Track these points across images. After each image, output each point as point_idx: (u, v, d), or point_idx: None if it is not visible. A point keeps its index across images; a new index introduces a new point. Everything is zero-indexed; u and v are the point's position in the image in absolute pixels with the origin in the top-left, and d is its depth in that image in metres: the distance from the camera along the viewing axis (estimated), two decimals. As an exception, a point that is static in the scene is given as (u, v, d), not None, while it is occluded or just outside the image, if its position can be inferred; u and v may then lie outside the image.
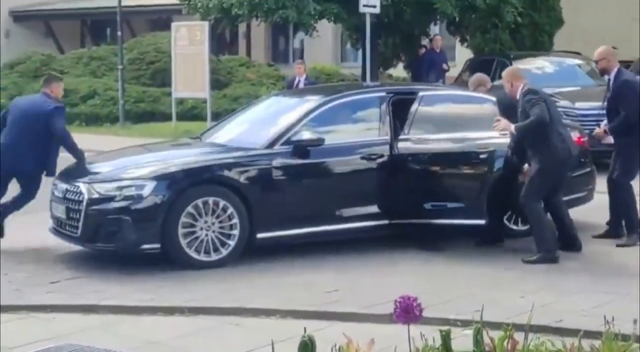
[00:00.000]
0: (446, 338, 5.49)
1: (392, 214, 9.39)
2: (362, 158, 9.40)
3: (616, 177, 9.75)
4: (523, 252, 9.13)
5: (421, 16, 21.43)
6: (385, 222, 9.39)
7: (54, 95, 10.15)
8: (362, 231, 9.37)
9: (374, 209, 9.33)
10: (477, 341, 5.34)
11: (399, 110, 9.81)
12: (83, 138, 20.52)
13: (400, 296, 4.17)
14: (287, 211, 9.01)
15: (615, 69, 9.76)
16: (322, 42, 29.73)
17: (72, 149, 9.88)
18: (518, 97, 9.10)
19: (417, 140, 9.60)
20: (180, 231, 8.60)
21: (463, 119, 10.01)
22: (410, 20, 21.63)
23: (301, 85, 16.94)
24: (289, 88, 17.21)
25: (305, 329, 5.32)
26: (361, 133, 9.72)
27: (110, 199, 8.67)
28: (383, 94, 9.96)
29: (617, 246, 9.53)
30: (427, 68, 20.66)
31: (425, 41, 23.78)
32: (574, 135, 10.25)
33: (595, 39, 22.01)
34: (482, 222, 9.41)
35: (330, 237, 9.26)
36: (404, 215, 9.41)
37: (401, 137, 9.55)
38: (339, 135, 9.64)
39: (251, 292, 7.80)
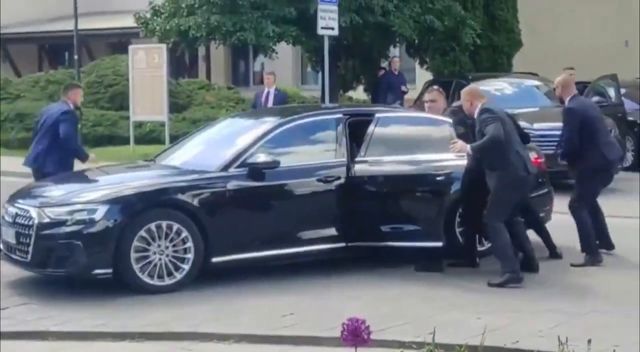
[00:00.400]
0: (400, 361, 5.41)
1: (349, 236, 9.30)
2: (319, 180, 9.31)
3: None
4: (481, 273, 9.07)
5: (380, 39, 21.47)
6: (342, 244, 9.30)
7: (72, 101, 11.27)
8: (319, 253, 9.27)
9: (330, 231, 9.23)
10: (431, 364, 5.26)
11: (356, 132, 9.75)
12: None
13: (348, 319, 4.07)
14: (242, 234, 8.88)
15: (570, 96, 9.83)
16: (283, 65, 29.68)
17: (76, 152, 11.08)
18: (476, 116, 9.07)
19: (373, 162, 9.53)
20: (133, 255, 8.44)
21: (419, 141, 9.95)
22: (369, 42, 21.65)
23: (271, 96, 16.71)
24: (258, 100, 16.99)
25: (256, 355, 5.24)
26: (318, 155, 9.62)
27: (62, 223, 8.49)
28: (339, 115, 9.88)
29: (572, 265, 9.52)
30: (386, 90, 20.66)
31: (384, 63, 23.81)
32: (532, 155, 10.23)
33: (553, 61, 22.26)
34: (439, 244, 9.35)
35: (286, 260, 9.15)
36: (361, 237, 9.34)
37: (358, 159, 9.48)
38: (295, 157, 9.54)
39: (205, 317, 7.66)
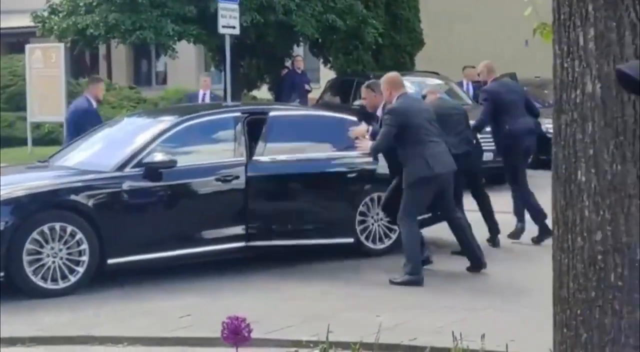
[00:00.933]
0: (294, 361, 5.34)
1: (249, 235, 9.21)
2: (217, 180, 9.20)
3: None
4: (383, 270, 9.06)
5: (283, 38, 21.38)
6: (242, 244, 9.20)
7: (93, 95, 11.88)
8: (217, 253, 9.16)
9: (229, 231, 9.12)
10: (326, 363, 5.20)
11: (255, 131, 9.66)
12: None
13: (228, 317, 3.97)
14: (138, 235, 8.71)
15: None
16: (185, 65, 29.45)
17: None
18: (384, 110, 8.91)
19: (272, 160, 9.46)
20: (26, 258, 8.20)
21: (319, 138, 9.94)
22: (272, 42, 21.54)
23: (207, 99, 16.48)
24: (191, 102, 16.67)
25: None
26: (216, 154, 9.51)
27: (-50, 225, 8.21)
28: (238, 114, 9.78)
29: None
30: (289, 89, 20.57)
31: (288, 62, 23.73)
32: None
33: (455, 60, 22.49)
34: (350, 240, 9.39)
35: (185, 261, 9.01)
36: (261, 236, 9.26)
37: (256, 158, 9.39)
38: (193, 156, 9.41)
39: (100, 320, 7.48)
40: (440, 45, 26.06)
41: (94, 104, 12.18)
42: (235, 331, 3.85)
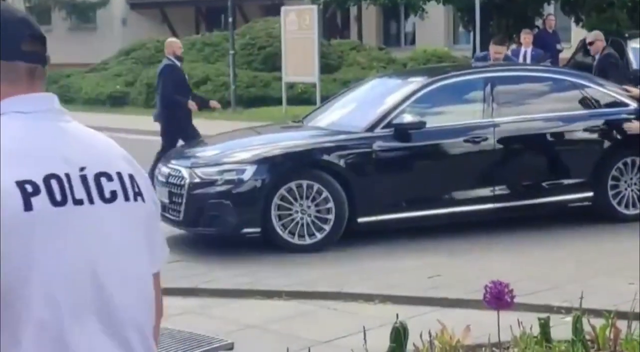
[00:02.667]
0: (545, 326, 5.31)
1: (496, 197, 9.16)
2: (466, 141, 9.19)
3: None
4: (630, 236, 8.79)
5: (534, -4, 20.96)
6: (491, 205, 9.17)
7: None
8: (466, 215, 9.18)
9: (478, 192, 9.11)
10: (577, 329, 5.14)
11: (504, 92, 9.57)
12: (196, 123, 20.87)
13: (491, 282, 4.00)
14: (388, 195, 8.88)
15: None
16: (434, 25, 29.44)
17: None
18: None
19: (521, 120, 9.35)
20: (275, 213, 8.55)
21: (565, 98, 9.72)
22: (523, 0, 21.17)
23: (528, 56, 16.31)
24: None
25: (397, 315, 5.22)
26: (464, 115, 9.50)
27: (212, 183, 8.69)
28: (488, 75, 9.71)
29: None
30: (541, 49, 20.12)
31: (538, 22, 23.22)
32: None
33: None
34: (589, 194, 9.28)
35: (432, 221, 9.09)
36: (512, 197, 9.18)
37: (506, 119, 9.30)
38: (441, 117, 9.45)
39: (350, 277, 7.70)
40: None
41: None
42: (499, 295, 3.88)
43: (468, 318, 5.80)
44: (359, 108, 9.81)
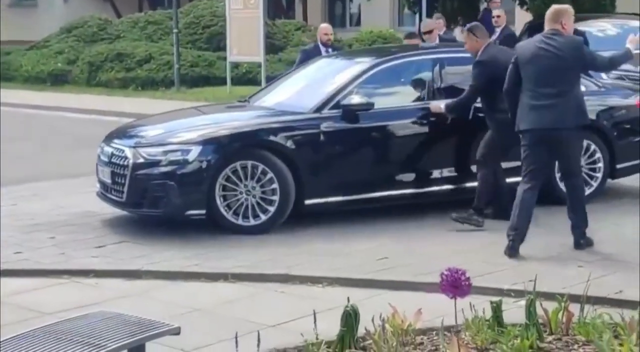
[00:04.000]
0: (497, 310, 5.25)
1: (448, 178, 9.12)
2: (414, 123, 9.10)
3: None
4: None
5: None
6: (440, 187, 9.11)
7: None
8: (415, 196, 9.10)
9: (427, 174, 9.03)
10: (530, 313, 5.09)
11: (452, 73, 9.49)
12: (139, 102, 20.71)
13: (447, 269, 3.91)
14: (336, 176, 8.77)
15: None
16: (380, 6, 29.36)
17: None
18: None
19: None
20: (219, 193, 8.40)
21: None
22: (469, -18, 21.16)
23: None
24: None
25: (348, 298, 5.12)
26: (413, 97, 9.41)
27: (156, 163, 8.50)
28: (436, 56, 9.62)
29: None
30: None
31: (483, 4, 23.25)
32: (636, 98, 9.96)
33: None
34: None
35: (381, 203, 9.01)
36: (461, 179, 9.12)
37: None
38: (390, 99, 9.35)
39: (296, 259, 7.59)
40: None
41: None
42: (455, 283, 3.78)
43: (418, 301, 5.73)
44: (306, 88, 9.67)
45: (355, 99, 8.87)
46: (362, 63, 9.58)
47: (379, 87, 9.28)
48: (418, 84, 9.49)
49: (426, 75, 9.43)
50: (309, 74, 10.15)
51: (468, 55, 9.27)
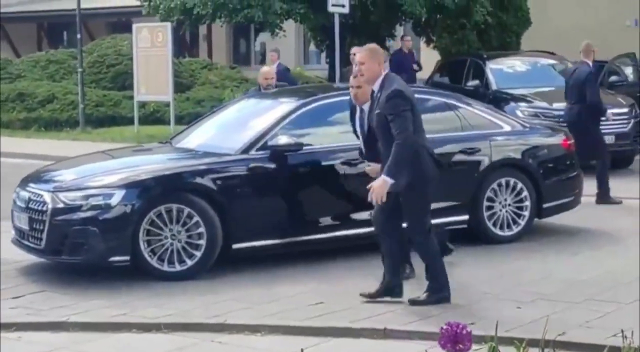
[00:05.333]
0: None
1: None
2: (343, 163, 8.94)
3: None
4: (510, 259, 8.75)
5: (388, 17, 21.10)
6: (370, 229, 8.92)
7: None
8: (345, 239, 8.91)
9: (357, 216, 8.82)
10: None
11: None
12: (43, 144, 20.14)
13: (447, 323, 3.69)
14: (264, 219, 8.53)
15: None
16: (285, 45, 29.29)
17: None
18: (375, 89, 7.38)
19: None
20: (143, 238, 8.10)
21: (439, 119, 9.60)
22: (377, 21, 21.29)
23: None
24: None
25: (302, 350, 4.91)
26: (340, 137, 9.24)
27: (77, 208, 8.15)
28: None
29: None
30: (396, 70, 20.23)
31: (390, 43, 23.46)
32: (560, 138, 10.01)
33: (562, 40, 21.85)
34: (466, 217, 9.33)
35: (311, 246, 8.80)
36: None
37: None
38: (317, 139, 9.16)
39: (228, 306, 7.31)
40: (548, 24, 25.40)
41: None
42: (455, 339, 3.58)
43: (361, 348, 5.54)
44: (231, 129, 9.46)
45: (283, 139, 8.68)
46: (288, 103, 9.40)
47: (307, 127, 9.10)
48: (346, 123, 9.33)
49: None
50: (232, 115, 9.93)
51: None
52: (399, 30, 24.87)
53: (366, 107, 7.91)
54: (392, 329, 6.50)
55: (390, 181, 7.02)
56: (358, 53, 8.10)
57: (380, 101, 7.24)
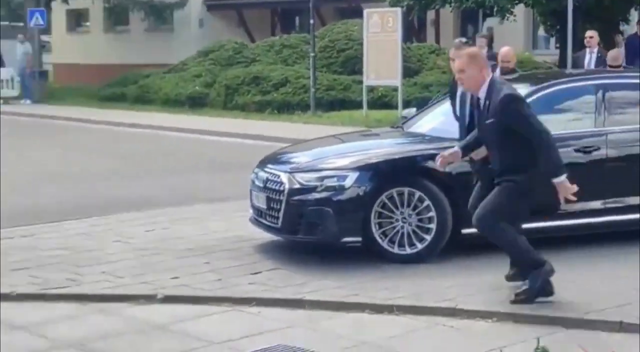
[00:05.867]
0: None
1: (609, 210, 8.73)
2: (576, 151, 8.76)
3: None
4: None
5: (622, 1, 20.42)
6: (596, 220, 8.74)
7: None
8: (582, 227, 8.72)
9: (591, 205, 8.65)
10: None
11: (614, 99, 9.13)
12: (276, 126, 20.78)
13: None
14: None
15: None
16: (513, 29, 28.86)
17: None
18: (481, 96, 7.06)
19: (633, 130, 8.90)
20: (374, 221, 8.25)
21: None
22: (610, 4, 20.66)
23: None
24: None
25: (538, 339, 4.89)
26: (573, 124, 9.06)
27: (312, 189, 8.40)
28: (599, 82, 9.28)
29: None
30: (631, 55, 19.58)
31: (624, 27, 22.71)
32: None
33: None
34: None
35: (545, 234, 8.60)
36: (623, 210, 8.73)
37: (619, 128, 8.86)
38: (548, 126, 8.98)
39: (459, 291, 7.32)
40: None
41: None
42: None
43: (594, 340, 5.39)
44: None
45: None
46: (522, 88, 9.23)
47: (538, 114, 8.93)
48: (578, 110, 9.15)
49: (586, 100, 9.08)
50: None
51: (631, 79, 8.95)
52: (634, 14, 24.01)
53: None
54: (629, 323, 6.32)
55: (563, 178, 6.81)
56: (457, 59, 7.72)
57: (492, 109, 6.95)
